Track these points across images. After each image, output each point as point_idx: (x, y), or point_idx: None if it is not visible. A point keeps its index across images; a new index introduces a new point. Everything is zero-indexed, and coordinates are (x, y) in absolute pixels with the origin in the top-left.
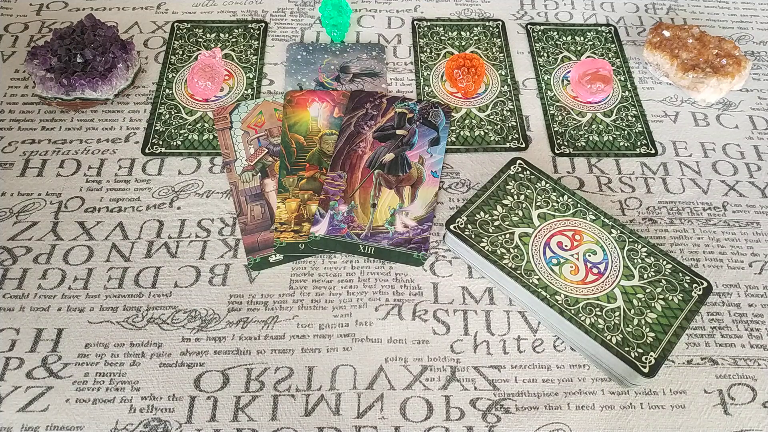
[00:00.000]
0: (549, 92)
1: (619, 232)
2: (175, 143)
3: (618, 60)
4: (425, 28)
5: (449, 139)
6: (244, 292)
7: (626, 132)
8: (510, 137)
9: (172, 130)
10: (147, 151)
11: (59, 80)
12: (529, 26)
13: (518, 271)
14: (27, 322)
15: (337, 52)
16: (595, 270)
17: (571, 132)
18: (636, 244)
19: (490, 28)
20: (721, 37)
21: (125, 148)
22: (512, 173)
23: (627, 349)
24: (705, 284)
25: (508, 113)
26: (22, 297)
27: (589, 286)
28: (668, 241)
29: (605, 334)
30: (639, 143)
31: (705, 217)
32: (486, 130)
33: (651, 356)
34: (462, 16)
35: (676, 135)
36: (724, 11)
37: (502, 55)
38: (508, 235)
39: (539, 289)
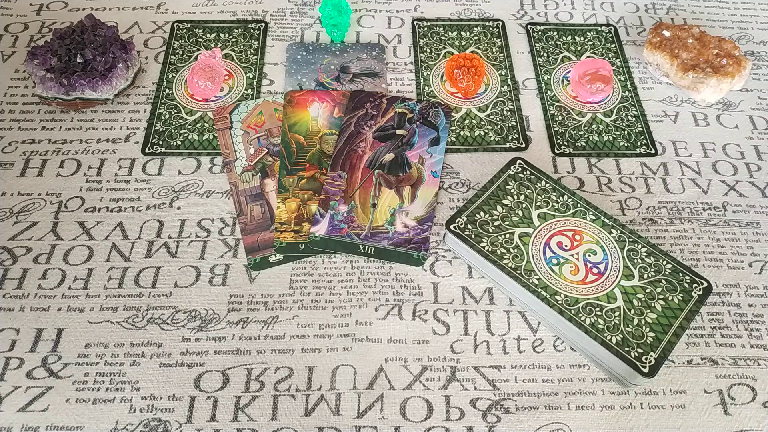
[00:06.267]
0: (549, 92)
1: (619, 232)
2: (175, 143)
3: (618, 60)
4: (425, 28)
5: (449, 139)
6: (244, 292)
7: (626, 132)
8: (510, 137)
9: (172, 130)
10: (147, 151)
11: (59, 80)
12: (529, 26)
13: (518, 271)
14: (27, 322)
15: (337, 52)
16: (595, 270)
17: (571, 132)
18: (636, 244)
19: (490, 28)
20: (721, 37)
21: (125, 148)
22: (512, 173)
23: (627, 349)
24: (705, 284)
25: (508, 113)
26: (22, 297)
27: (589, 286)
28: (668, 241)
29: (605, 334)
30: (639, 143)
31: (705, 217)
32: (486, 130)
33: (651, 356)
34: (462, 16)
35: (676, 135)
36: (724, 11)
37: (502, 55)
38: (508, 235)
39: (539, 289)
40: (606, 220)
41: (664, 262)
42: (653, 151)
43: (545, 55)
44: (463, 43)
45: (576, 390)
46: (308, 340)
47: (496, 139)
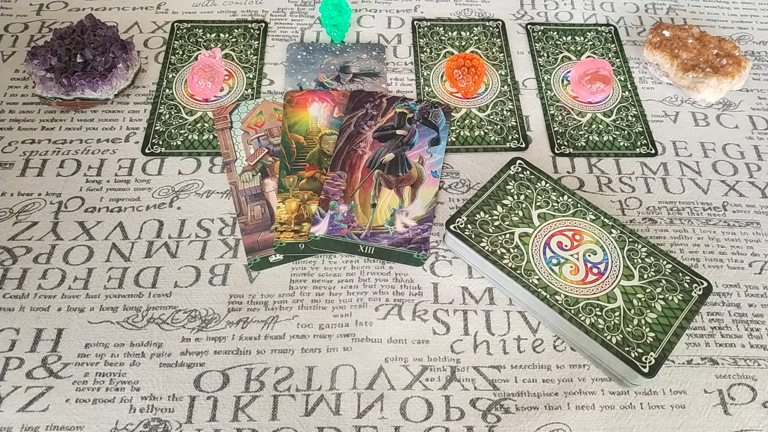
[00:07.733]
0: (549, 92)
1: (619, 232)
2: (175, 143)
3: (618, 60)
4: (425, 28)
5: (449, 139)
6: (244, 292)
7: (626, 132)
8: (510, 137)
9: (172, 130)
10: (147, 151)
11: (59, 80)
12: (529, 26)
13: (518, 271)
14: (27, 322)
15: (337, 52)
16: (595, 270)
17: (571, 132)
18: (636, 244)
19: (490, 28)
20: (721, 37)
21: (125, 148)
22: (512, 173)
23: (627, 349)
24: (705, 284)
25: (508, 113)
26: (22, 297)
27: (589, 286)
28: (668, 241)
29: (605, 334)
30: (639, 143)
31: (705, 217)
32: (486, 130)
33: (651, 356)
34: (462, 16)
35: (676, 135)
36: (724, 11)
37: (502, 55)
38: (508, 235)
39: (539, 289)
40: (606, 220)
41: (664, 262)
42: (653, 151)
43: (545, 55)
44: (463, 43)
45: (576, 390)
46: (308, 340)
47: (496, 139)
